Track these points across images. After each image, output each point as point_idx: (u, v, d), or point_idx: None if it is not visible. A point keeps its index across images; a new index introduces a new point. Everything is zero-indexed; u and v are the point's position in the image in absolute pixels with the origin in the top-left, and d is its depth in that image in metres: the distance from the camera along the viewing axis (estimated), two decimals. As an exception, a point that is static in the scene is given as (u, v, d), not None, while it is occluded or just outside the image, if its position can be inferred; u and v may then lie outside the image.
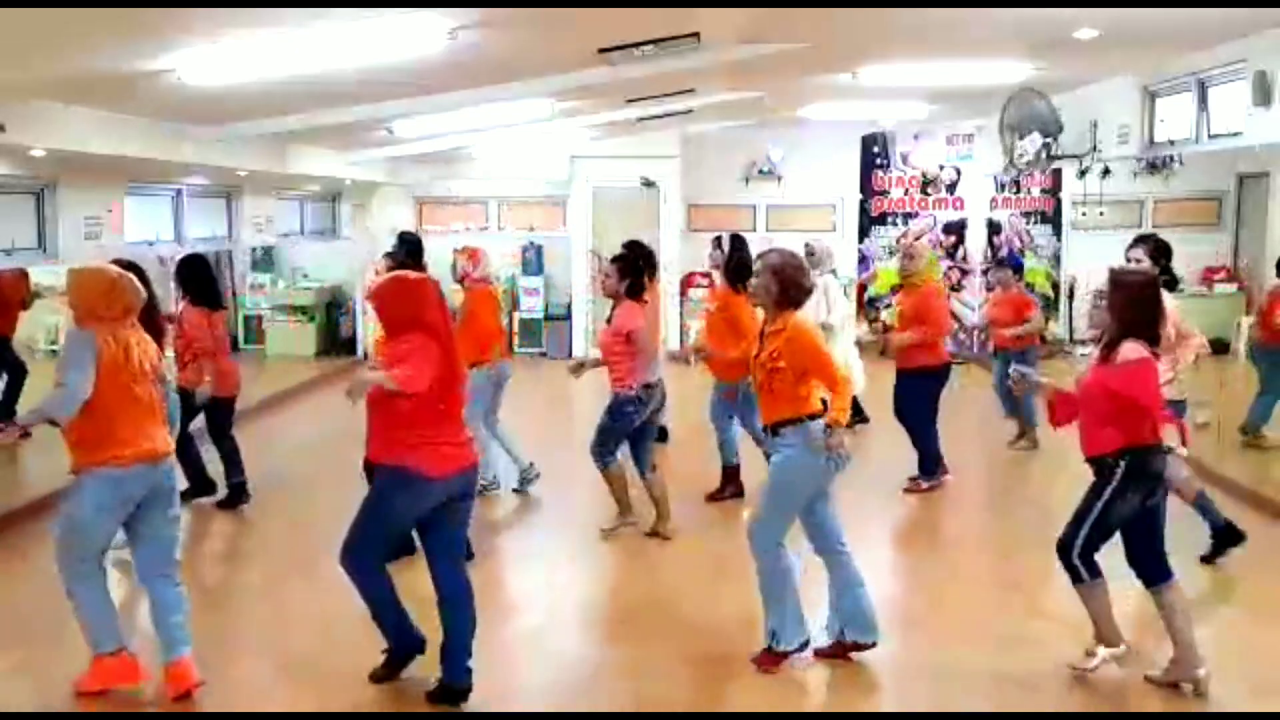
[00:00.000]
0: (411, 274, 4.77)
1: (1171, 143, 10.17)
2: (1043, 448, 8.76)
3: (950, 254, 14.22)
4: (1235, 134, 8.82)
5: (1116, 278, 4.65)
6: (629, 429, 6.64)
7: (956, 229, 14.32)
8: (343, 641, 5.06)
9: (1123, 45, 8.40)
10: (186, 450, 7.11)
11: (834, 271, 9.39)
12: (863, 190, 14.45)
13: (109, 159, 8.42)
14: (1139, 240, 6.08)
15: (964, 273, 14.20)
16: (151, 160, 8.85)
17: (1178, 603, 4.54)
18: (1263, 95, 8.00)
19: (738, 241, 7.66)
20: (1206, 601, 5.73)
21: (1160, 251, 5.97)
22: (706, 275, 13.17)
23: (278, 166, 11.12)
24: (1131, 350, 4.43)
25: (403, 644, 4.58)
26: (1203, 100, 9.39)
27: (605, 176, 14.40)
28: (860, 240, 14.44)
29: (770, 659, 4.74)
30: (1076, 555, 4.53)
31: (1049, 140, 11.18)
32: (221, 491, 7.35)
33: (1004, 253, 14.03)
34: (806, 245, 8.88)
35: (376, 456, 4.44)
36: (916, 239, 13.71)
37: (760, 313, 5.14)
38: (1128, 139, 10.74)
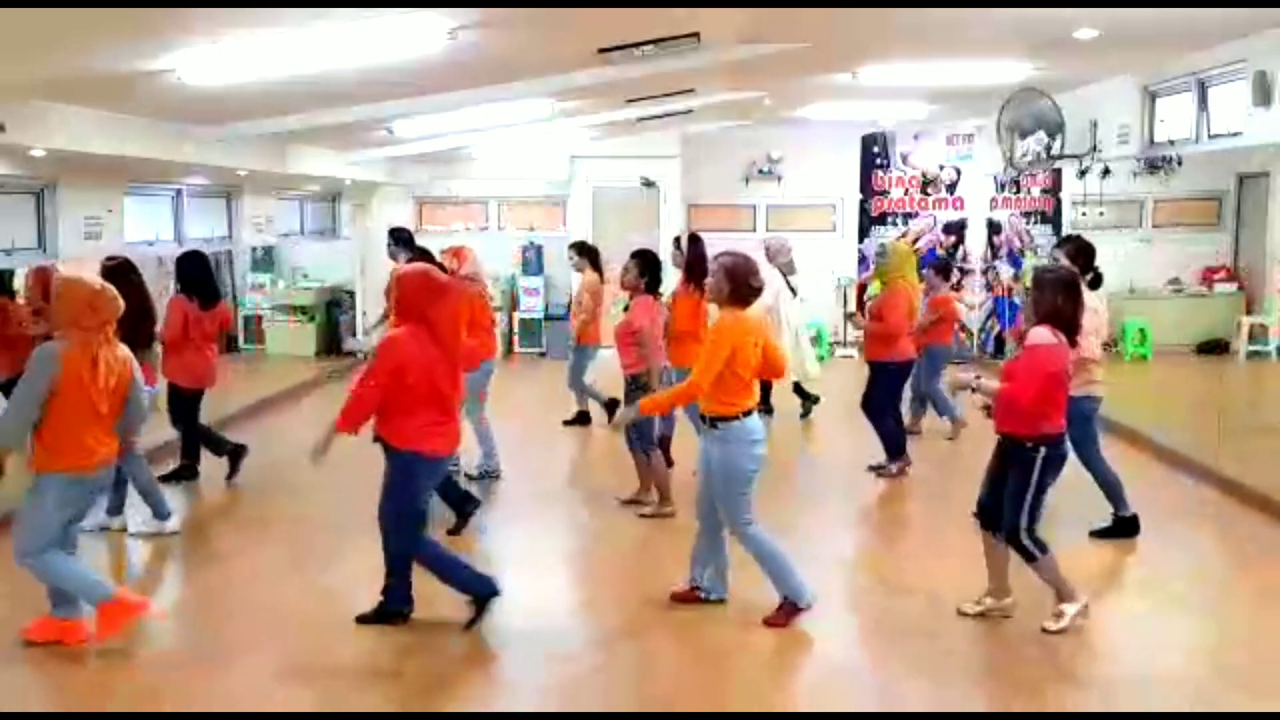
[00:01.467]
0: (440, 274, 5.23)
1: (1171, 143, 10.18)
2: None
3: (950, 254, 14.21)
4: (1235, 134, 8.83)
5: (1037, 276, 5.11)
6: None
7: (956, 229, 14.30)
8: (342, 640, 5.05)
9: (1123, 45, 8.41)
10: (204, 437, 7.67)
11: (787, 265, 9.69)
12: (863, 190, 14.42)
13: (109, 159, 8.43)
14: (1063, 240, 6.35)
15: (964, 273, 14.17)
16: (152, 160, 8.86)
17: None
18: (1263, 95, 8.01)
19: (695, 240, 7.96)
20: (1208, 601, 5.72)
21: (1081, 252, 6.17)
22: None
23: (278, 166, 11.13)
24: (1037, 334, 4.85)
25: (479, 590, 4.99)
26: (1203, 100, 9.40)
27: (605, 176, 14.40)
28: (860, 240, 14.41)
29: (784, 614, 5.08)
30: (1026, 538, 4.95)
31: (1051, 139, 11.19)
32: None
33: (1004, 252, 14.04)
34: (764, 242, 9.71)
35: (394, 440, 4.87)
36: (915, 240, 13.73)
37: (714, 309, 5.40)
38: (1128, 139, 10.75)
